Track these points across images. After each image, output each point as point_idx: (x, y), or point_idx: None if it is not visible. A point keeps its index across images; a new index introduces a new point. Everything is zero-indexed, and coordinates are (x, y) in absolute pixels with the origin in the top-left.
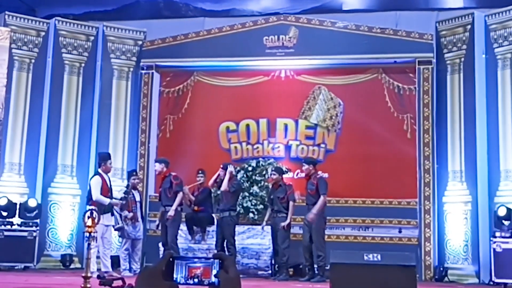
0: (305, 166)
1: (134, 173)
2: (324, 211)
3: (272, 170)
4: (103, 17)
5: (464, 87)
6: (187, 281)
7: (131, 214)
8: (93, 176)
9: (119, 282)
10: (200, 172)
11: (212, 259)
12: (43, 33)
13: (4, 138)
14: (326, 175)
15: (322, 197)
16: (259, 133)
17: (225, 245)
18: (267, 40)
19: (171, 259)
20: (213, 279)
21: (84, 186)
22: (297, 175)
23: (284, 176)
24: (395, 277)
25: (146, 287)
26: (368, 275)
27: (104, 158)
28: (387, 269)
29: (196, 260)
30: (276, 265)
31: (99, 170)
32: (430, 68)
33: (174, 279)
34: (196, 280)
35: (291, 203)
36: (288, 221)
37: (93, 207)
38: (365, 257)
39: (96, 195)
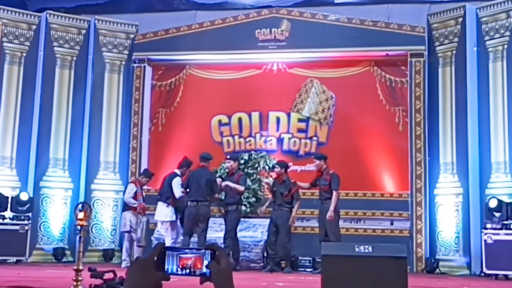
0: (316, 162)
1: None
2: (338, 205)
3: (275, 164)
4: (94, 11)
5: (456, 79)
6: (179, 272)
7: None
8: (174, 176)
9: (110, 275)
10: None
11: (203, 250)
12: (34, 27)
13: None
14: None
15: (335, 193)
16: (251, 126)
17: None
18: (259, 33)
19: (162, 250)
20: (205, 269)
21: (76, 179)
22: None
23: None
24: (386, 268)
25: (137, 278)
26: (359, 266)
27: (188, 164)
28: (378, 261)
29: (187, 251)
30: (268, 257)
31: (178, 172)
32: (422, 61)
33: (166, 269)
34: (187, 270)
35: (297, 202)
36: (291, 219)
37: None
38: (356, 249)
39: (179, 193)
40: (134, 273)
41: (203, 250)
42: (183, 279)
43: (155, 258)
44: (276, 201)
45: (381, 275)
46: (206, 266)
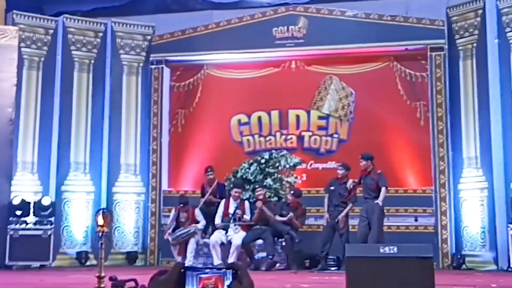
0: (363, 162)
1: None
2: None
3: (339, 165)
4: (111, 13)
5: (477, 72)
6: None
7: None
8: None
9: (132, 284)
10: (209, 170)
11: (224, 269)
12: (51, 31)
13: (16, 137)
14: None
15: (383, 189)
16: (271, 125)
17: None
18: (276, 31)
19: (181, 270)
20: None
21: (97, 183)
22: (310, 166)
23: (297, 167)
24: (412, 269)
25: None
26: (384, 267)
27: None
28: (404, 261)
29: (207, 270)
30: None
31: None
32: (442, 55)
33: None
34: None
35: (350, 204)
36: (341, 218)
37: None
38: (381, 250)
39: None
40: None
41: (223, 270)
42: None
43: (176, 278)
44: (333, 200)
45: (407, 276)
46: (228, 286)
